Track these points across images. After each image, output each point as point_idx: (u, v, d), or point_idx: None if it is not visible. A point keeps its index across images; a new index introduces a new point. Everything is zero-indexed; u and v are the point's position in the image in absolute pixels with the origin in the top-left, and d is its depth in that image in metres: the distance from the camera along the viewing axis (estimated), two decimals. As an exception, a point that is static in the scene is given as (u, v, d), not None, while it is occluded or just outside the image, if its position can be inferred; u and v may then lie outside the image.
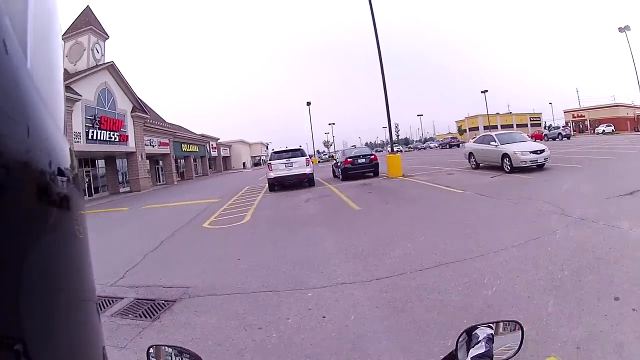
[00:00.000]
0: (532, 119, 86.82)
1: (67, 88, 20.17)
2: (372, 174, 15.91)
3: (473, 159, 14.88)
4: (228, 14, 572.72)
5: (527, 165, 11.86)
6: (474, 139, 16.00)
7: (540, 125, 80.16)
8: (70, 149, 0.37)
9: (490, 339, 0.82)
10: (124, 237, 8.73)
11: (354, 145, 21.54)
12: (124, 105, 26.59)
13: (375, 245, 5.34)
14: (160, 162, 36.82)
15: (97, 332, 0.41)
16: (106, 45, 26.07)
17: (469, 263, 4.14)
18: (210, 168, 57.81)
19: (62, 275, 0.34)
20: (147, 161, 29.44)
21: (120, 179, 29.48)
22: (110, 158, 27.69)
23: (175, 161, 44.25)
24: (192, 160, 45.54)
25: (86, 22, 24.32)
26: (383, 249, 5.08)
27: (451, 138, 59.61)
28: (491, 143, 13.36)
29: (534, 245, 4.50)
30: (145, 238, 7.86)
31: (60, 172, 0.34)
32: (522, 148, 12.18)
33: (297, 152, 14.96)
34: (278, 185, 14.70)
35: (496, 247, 4.53)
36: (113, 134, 24.45)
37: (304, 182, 14.68)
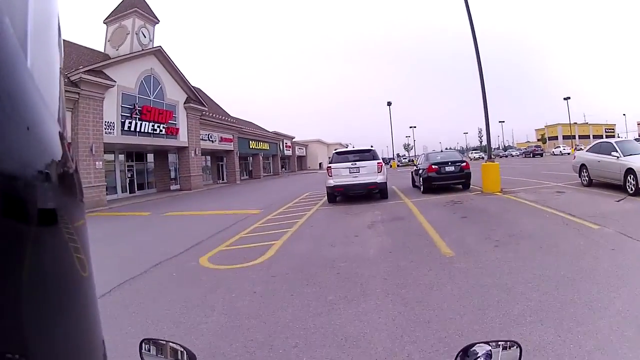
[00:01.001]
0: (607, 129, 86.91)
1: (99, 72, 17.76)
2: (461, 186, 12.58)
3: (585, 173, 11.08)
4: (312, 11, 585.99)
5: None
6: (588, 147, 11.84)
7: (614, 137, 78.44)
8: (67, 148, 0.37)
9: (489, 356, 0.84)
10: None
11: (443, 150, 16.33)
12: (175, 95, 24.16)
13: None
14: (225, 159, 34.35)
15: (96, 330, 0.43)
16: (156, 31, 23.86)
17: None
18: (283, 167, 55.41)
19: (60, 278, 0.35)
20: (202, 157, 26.69)
21: (173, 175, 27.29)
22: (161, 152, 25.60)
23: (244, 159, 42.16)
24: (260, 159, 42.87)
25: (131, 4, 22.16)
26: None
27: (535, 146, 54.81)
28: (612, 153, 9.73)
29: None
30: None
31: (55, 175, 0.34)
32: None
33: (367, 154, 11.72)
34: (339, 195, 11.68)
35: None
36: (159, 126, 22.01)
37: (374, 192, 11.58)
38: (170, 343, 0.92)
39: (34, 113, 0.32)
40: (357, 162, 11.20)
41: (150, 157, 25.51)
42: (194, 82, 28.07)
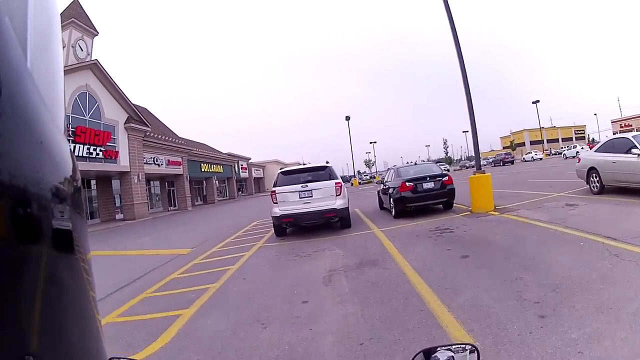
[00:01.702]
0: (576, 131, 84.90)
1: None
2: (442, 205, 10.23)
3: (596, 178, 9.26)
4: (262, 23, 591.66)
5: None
6: (596, 147, 9.96)
7: (584, 139, 77.35)
8: (70, 151, 0.37)
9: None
10: None
11: (415, 162, 14.01)
12: (114, 114, 21.80)
13: None
14: (175, 184, 31.92)
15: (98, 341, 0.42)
16: (97, 45, 21.58)
17: None
18: (239, 190, 53.08)
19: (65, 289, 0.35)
20: (146, 183, 24.25)
21: (119, 203, 24.57)
22: (103, 178, 22.91)
23: (198, 183, 39.72)
24: (214, 182, 40.62)
25: (68, 15, 19.97)
26: None
27: (505, 154, 53.34)
28: (632, 151, 8.07)
29: None
30: None
31: (61, 181, 0.34)
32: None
33: (321, 173, 9.32)
34: (289, 226, 9.44)
35: None
36: (95, 149, 19.50)
37: (333, 221, 9.24)
38: None
39: (34, 113, 0.31)
40: (309, 184, 8.89)
41: (92, 184, 22.78)
42: (139, 101, 25.95)
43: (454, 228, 7.43)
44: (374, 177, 59.52)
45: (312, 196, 8.74)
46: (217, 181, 44.18)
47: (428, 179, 9.79)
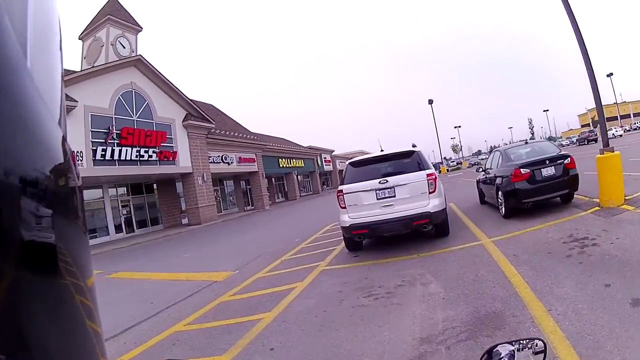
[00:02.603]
0: None
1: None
2: (559, 198, 7.43)
3: None
4: (351, 20, 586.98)
5: None
6: None
7: None
8: (70, 155, 0.36)
9: (512, 356, 0.82)
10: None
11: (524, 140, 9.59)
12: (168, 112, 20.08)
13: None
14: (250, 182, 30.02)
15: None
16: (139, 40, 20.09)
17: None
18: (324, 184, 50.28)
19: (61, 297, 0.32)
20: (211, 184, 22.27)
21: (184, 207, 23.11)
22: (165, 182, 21.58)
23: (279, 179, 37.80)
24: (295, 177, 38.17)
25: (104, 12, 18.68)
26: None
27: (589, 132, 46.89)
28: None
29: None
30: None
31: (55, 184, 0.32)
32: None
33: (406, 161, 6.57)
34: (363, 238, 6.72)
35: None
36: (147, 151, 17.78)
37: (426, 229, 6.37)
38: None
39: (34, 113, 0.30)
40: (389, 178, 6.22)
41: (153, 189, 21.67)
42: (207, 99, 24.26)
43: (595, 236, 4.81)
44: (461, 163, 55.81)
45: (394, 195, 6.18)
46: (299, 176, 41.86)
47: (548, 162, 7.20)
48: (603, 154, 6.66)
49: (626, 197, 6.45)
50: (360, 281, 4.94)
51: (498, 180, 7.87)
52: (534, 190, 7.01)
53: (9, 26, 0.29)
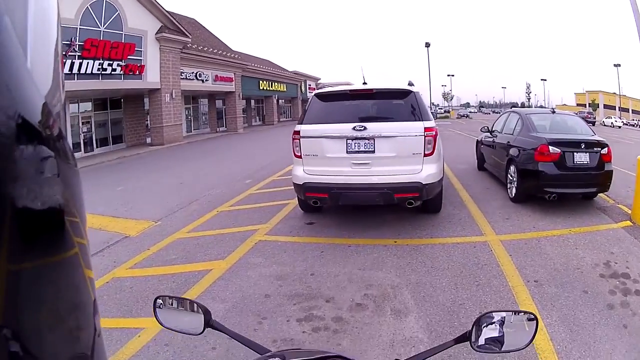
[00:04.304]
0: None
1: None
2: (590, 194, 6.15)
3: None
4: None
5: None
6: None
7: None
8: (69, 148, 0.37)
9: (503, 323, 0.85)
10: None
11: (543, 107, 9.63)
12: (140, 23, 18.89)
13: None
14: (225, 102, 29.86)
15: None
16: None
17: None
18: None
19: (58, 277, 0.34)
20: (180, 102, 22.15)
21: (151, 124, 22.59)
22: (133, 98, 21.29)
23: (258, 102, 37.53)
24: (274, 101, 37.89)
25: None
26: None
27: (587, 112, 46.16)
28: None
29: None
30: None
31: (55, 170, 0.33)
32: None
33: (397, 104, 4.85)
34: (321, 204, 5.38)
35: None
36: (111, 64, 17.36)
37: (412, 205, 4.92)
38: (185, 300, 0.95)
39: (34, 113, 0.31)
40: (369, 124, 4.66)
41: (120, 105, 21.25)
42: (193, 14, 22.83)
43: (637, 276, 3.70)
44: (449, 112, 56.60)
45: (373, 151, 4.62)
46: (280, 100, 41.49)
47: (584, 146, 5.76)
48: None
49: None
50: (303, 279, 3.80)
51: (513, 151, 6.39)
52: (563, 178, 5.63)
53: (9, 26, 0.30)
